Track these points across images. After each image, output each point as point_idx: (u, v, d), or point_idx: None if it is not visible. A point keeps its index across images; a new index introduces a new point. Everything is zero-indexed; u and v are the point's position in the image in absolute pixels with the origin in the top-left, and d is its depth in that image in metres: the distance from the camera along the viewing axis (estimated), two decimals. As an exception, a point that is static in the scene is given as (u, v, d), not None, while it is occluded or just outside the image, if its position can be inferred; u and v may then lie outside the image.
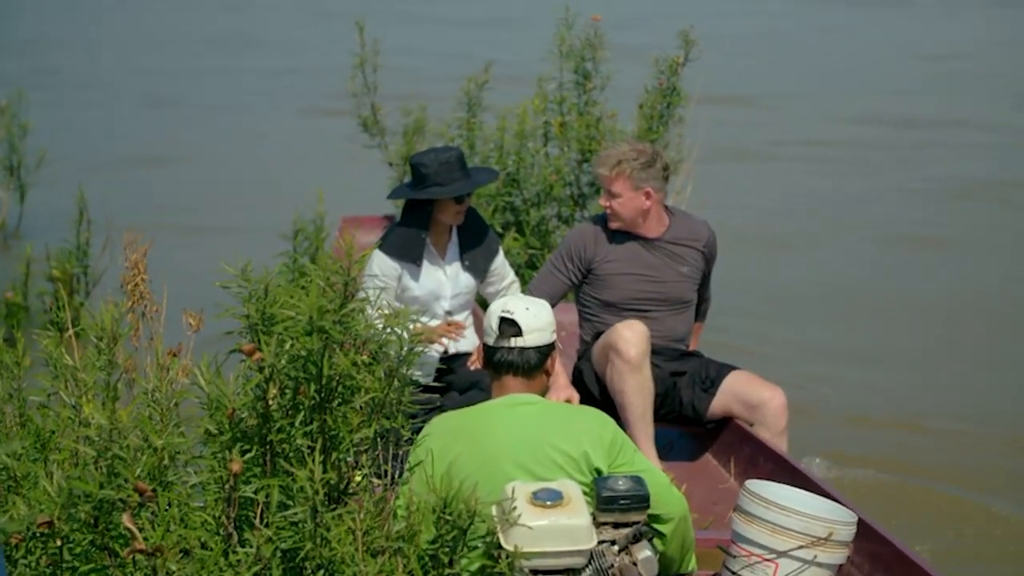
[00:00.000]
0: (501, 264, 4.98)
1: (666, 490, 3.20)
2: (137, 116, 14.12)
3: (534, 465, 3.09)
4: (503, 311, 3.29)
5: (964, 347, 7.58)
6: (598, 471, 3.12)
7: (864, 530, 3.61)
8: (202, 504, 2.50)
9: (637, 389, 4.54)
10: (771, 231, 9.50)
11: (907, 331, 7.78)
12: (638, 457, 3.22)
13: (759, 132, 12.73)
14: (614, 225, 4.85)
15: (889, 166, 11.46)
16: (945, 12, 21.33)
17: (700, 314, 5.11)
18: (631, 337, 4.55)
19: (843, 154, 11.85)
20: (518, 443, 3.12)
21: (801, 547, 3.27)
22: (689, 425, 4.89)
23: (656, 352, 4.77)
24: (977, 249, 9.22)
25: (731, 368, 4.83)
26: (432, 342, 4.73)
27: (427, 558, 2.61)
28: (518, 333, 3.26)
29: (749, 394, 4.72)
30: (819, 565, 3.30)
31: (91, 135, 12.19)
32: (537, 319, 3.28)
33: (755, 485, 3.44)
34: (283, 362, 2.51)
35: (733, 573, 3.39)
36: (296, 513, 2.41)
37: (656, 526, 3.16)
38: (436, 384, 4.76)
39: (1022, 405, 6.75)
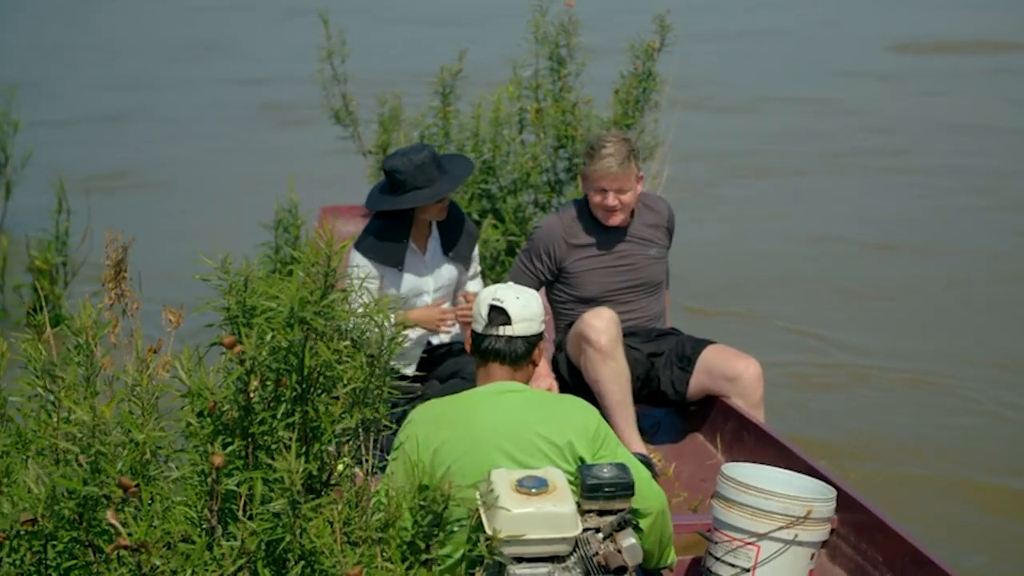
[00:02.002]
0: (476, 252, 4.99)
1: (646, 485, 3.21)
2: (106, 127, 14.01)
3: (519, 453, 3.10)
4: (493, 299, 3.30)
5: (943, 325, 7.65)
6: (582, 460, 3.13)
7: (847, 501, 3.64)
8: (183, 498, 2.50)
9: (612, 376, 4.55)
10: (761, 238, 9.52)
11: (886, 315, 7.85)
12: (620, 450, 3.24)
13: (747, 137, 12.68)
14: (615, 221, 4.80)
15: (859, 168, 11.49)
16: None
17: (665, 285, 5.12)
18: (600, 325, 4.56)
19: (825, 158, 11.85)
20: (503, 431, 3.13)
21: (781, 528, 3.30)
22: (672, 405, 4.91)
23: (632, 334, 4.79)
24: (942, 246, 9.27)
25: (706, 343, 4.85)
26: (429, 328, 4.74)
27: (406, 546, 2.62)
28: (507, 322, 3.27)
29: (724, 367, 4.74)
30: (801, 544, 3.33)
31: (54, 147, 12.05)
32: (527, 309, 3.29)
33: (731, 469, 3.46)
34: (264, 354, 2.51)
35: (716, 559, 3.42)
36: (276, 505, 2.42)
37: (636, 520, 3.18)
38: (418, 373, 4.77)
39: (1006, 375, 6.82)
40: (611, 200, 4.73)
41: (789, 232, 9.55)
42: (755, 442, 4.45)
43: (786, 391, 6.36)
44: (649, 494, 3.21)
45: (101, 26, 21.95)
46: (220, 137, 13.37)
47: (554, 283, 4.91)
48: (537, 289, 4.86)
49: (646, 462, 4.33)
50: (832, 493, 3.43)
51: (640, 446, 4.55)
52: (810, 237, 9.42)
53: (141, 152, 12.65)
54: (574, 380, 4.75)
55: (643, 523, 3.20)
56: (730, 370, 4.72)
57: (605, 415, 4.46)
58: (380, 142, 7.78)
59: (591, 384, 4.60)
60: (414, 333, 4.76)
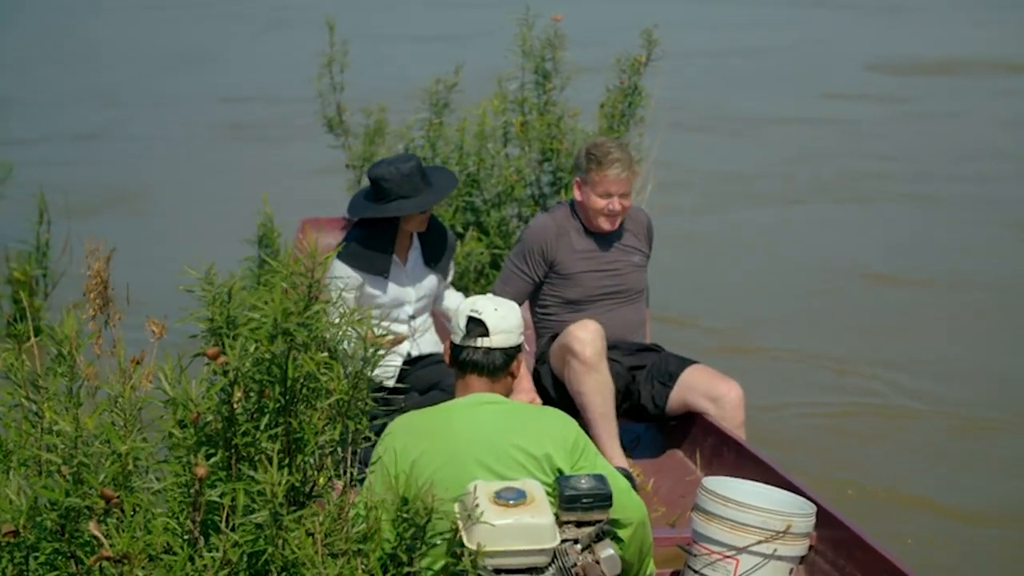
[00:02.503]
0: (452, 262, 5.04)
1: (625, 495, 3.22)
2: (85, 143, 13.87)
3: (497, 464, 3.11)
4: (472, 310, 3.30)
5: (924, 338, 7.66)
6: (560, 471, 3.14)
7: (825, 518, 3.66)
8: (165, 510, 2.50)
9: (596, 389, 4.57)
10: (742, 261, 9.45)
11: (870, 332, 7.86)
12: (600, 461, 3.25)
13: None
14: (614, 225, 4.85)
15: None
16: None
17: (645, 300, 5.15)
18: (585, 337, 4.58)
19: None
20: (481, 442, 3.13)
21: (760, 542, 3.31)
22: (651, 420, 4.93)
23: (614, 347, 4.81)
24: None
25: (690, 362, 4.88)
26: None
27: (387, 558, 2.63)
28: (485, 333, 3.27)
29: (707, 388, 4.76)
30: (780, 558, 3.34)
31: (33, 164, 11.96)
32: (505, 321, 3.30)
33: (712, 482, 3.48)
34: (247, 365, 2.52)
35: (695, 572, 3.43)
36: (258, 516, 2.43)
37: (614, 530, 3.19)
38: (398, 385, 4.78)
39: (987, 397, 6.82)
40: (616, 204, 4.79)
41: (790, 260, 9.38)
42: (735, 458, 4.46)
43: (773, 419, 6.33)
44: (629, 504, 3.22)
45: (72, 39, 21.78)
46: (201, 154, 13.29)
47: (542, 285, 4.93)
48: (526, 296, 4.89)
49: (627, 476, 4.34)
50: (812, 508, 3.44)
51: (622, 460, 4.57)
52: (813, 266, 9.22)
53: (120, 169, 12.56)
54: (557, 393, 4.77)
55: (624, 533, 3.21)
56: (712, 391, 4.75)
57: (587, 428, 4.47)
58: (364, 155, 7.79)
59: (574, 396, 4.62)
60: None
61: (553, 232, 4.88)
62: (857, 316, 8.17)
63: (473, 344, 3.28)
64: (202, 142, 13.83)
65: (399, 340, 4.64)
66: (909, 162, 12.20)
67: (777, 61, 17.84)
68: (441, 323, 5.14)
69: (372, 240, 4.76)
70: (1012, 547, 5.32)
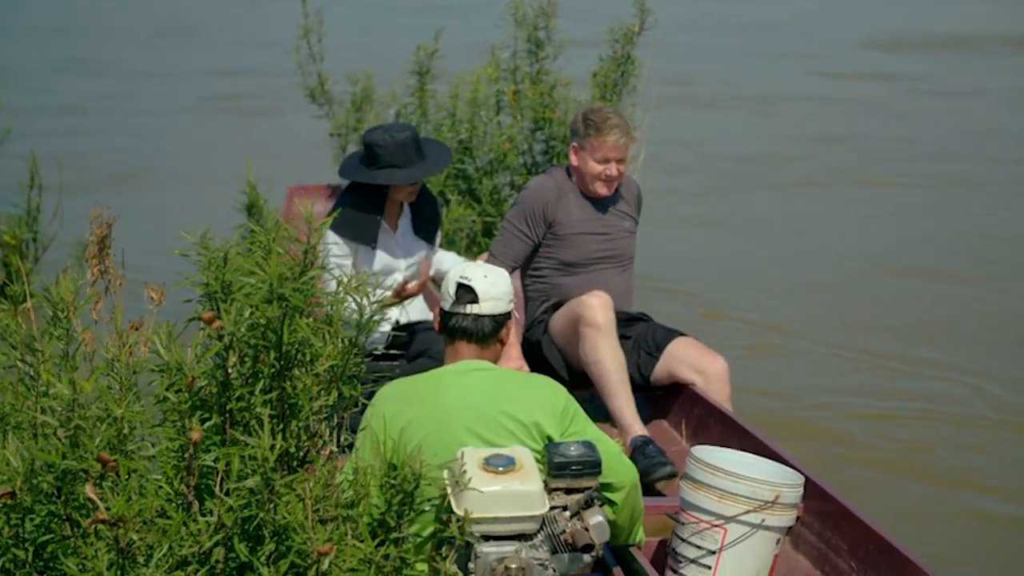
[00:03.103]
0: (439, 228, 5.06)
1: (617, 459, 3.24)
2: (72, 116, 13.75)
3: (485, 431, 3.12)
4: (461, 277, 3.32)
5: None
6: (549, 439, 3.15)
7: (813, 489, 3.69)
8: (159, 476, 2.51)
9: (612, 356, 4.56)
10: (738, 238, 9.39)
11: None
12: (590, 426, 3.27)
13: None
14: (610, 191, 4.88)
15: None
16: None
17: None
18: (598, 304, 4.59)
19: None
20: (470, 409, 3.15)
21: (748, 511, 3.34)
22: (637, 390, 4.95)
23: (607, 317, 4.83)
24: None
25: (677, 334, 4.90)
26: (402, 299, 4.78)
27: (376, 524, 2.64)
28: (474, 300, 3.29)
29: (693, 361, 4.78)
30: (767, 528, 3.38)
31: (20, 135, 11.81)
32: (494, 287, 3.31)
33: (701, 451, 3.51)
34: (243, 330, 2.52)
35: (683, 540, 3.46)
36: (250, 481, 2.44)
37: (607, 494, 3.21)
38: (389, 352, 4.80)
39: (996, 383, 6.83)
40: (613, 170, 4.81)
41: (788, 238, 9.31)
42: (721, 429, 4.49)
43: (766, 400, 6.34)
44: (620, 468, 3.24)
45: (57, 11, 21.56)
46: (193, 125, 13.24)
47: (538, 247, 4.93)
48: (524, 258, 4.90)
49: (647, 443, 4.34)
50: (800, 479, 3.47)
51: (642, 428, 4.50)
52: (812, 245, 9.14)
53: (110, 140, 12.51)
54: (564, 367, 4.77)
55: (616, 496, 3.24)
56: (698, 364, 4.76)
57: (606, 397, 4.48)
58: (348, 123, 7.79)
59: (589, 366, 4.58)
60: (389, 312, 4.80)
61: (553, 193, 4.88)
62: (857, 299, 8.14)
63: (462, 311, 3.29)
64: (193, 114, 13.78)
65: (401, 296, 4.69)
66: (908, 142, 12.12)
67: (776, 36, 17.72)
68: (430, 290, 5.15)
69: (361, 207, 4.77)
70: (1007, 521, 5.37)
